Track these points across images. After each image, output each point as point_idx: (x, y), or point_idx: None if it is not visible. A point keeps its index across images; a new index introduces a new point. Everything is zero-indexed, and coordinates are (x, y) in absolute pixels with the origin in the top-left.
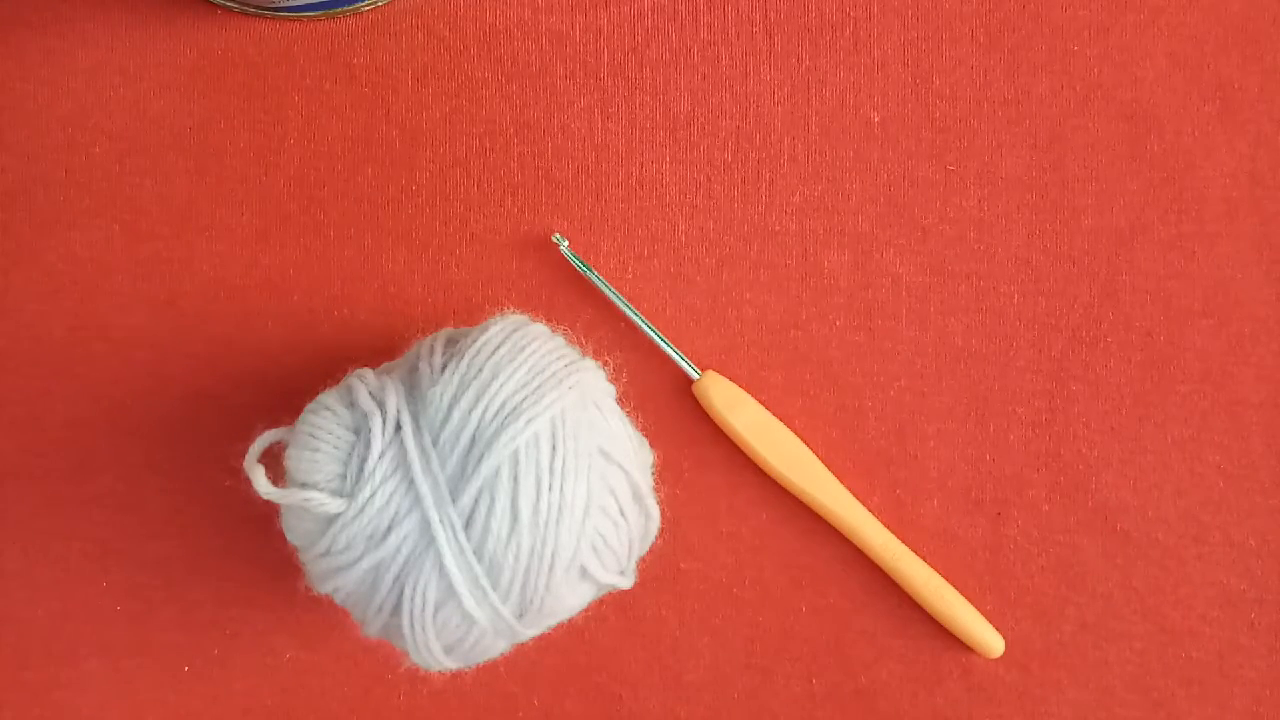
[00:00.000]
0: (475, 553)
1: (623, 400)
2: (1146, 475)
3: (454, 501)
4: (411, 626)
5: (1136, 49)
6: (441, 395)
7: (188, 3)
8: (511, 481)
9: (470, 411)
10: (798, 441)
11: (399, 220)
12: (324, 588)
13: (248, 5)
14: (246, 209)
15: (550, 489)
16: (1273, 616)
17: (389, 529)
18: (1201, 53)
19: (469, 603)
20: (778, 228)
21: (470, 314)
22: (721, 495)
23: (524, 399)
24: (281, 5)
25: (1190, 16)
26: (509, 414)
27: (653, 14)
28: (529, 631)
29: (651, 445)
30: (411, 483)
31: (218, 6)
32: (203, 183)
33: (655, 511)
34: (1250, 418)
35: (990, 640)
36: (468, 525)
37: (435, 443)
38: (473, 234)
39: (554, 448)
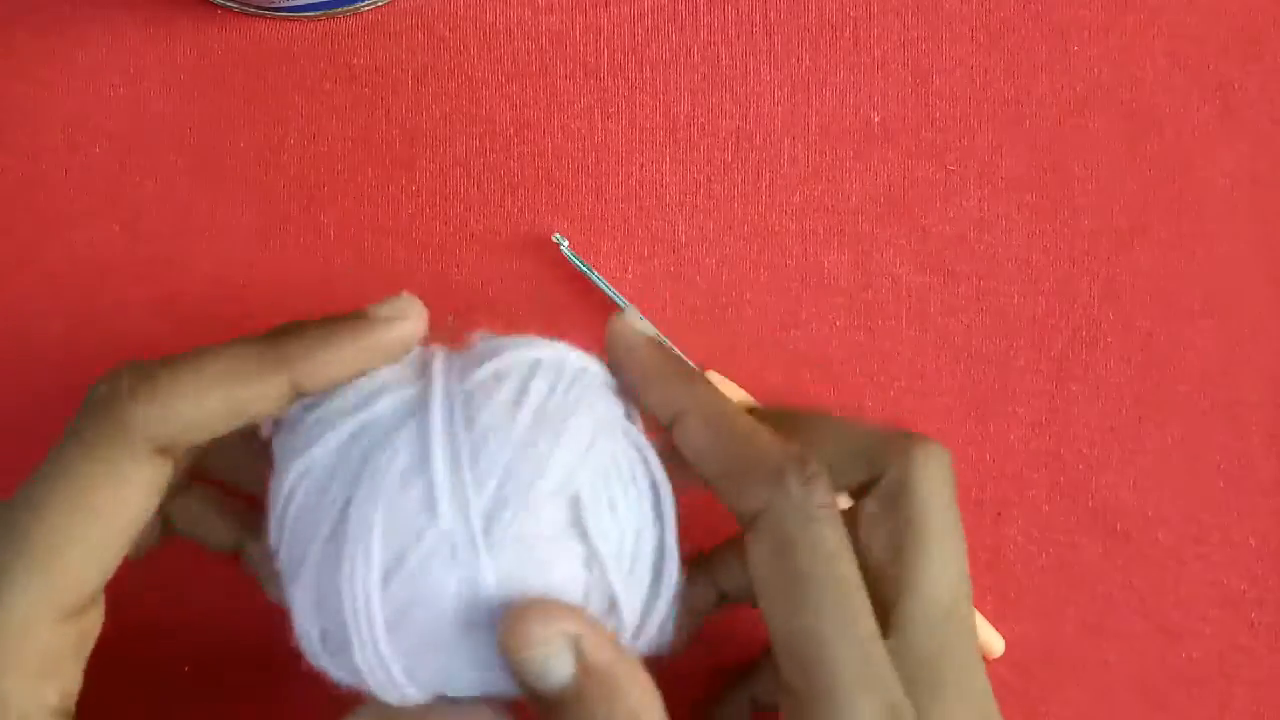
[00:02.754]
0: (466, 422)
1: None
2: (1146, 475)
3: (461, 381)
4: (360, 519)
5: (1136, 49)
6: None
7: (188, 3)
8: (525, 374)
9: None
10: None
11: (399, 220)
12: (290, 471)
13: (248, 5)
14: (246, 209)
15: (560, 391)
16: (1273, 616)
17: (381, 392)
18: (1201, 53)
19: (440, 471)
20: (778, 228)
21: (470, 314)
22: None
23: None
24: (281, 5)
25: (1190, 16)
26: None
27: (653, 14)
28: (489, 565)
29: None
30: (426, 366)
31: (218, 6)
32: (203, 183)
33: (674, 567)
34: (1250, 418)
35: (990, 640)
36: (468, 400)
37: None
38: (473, 234)
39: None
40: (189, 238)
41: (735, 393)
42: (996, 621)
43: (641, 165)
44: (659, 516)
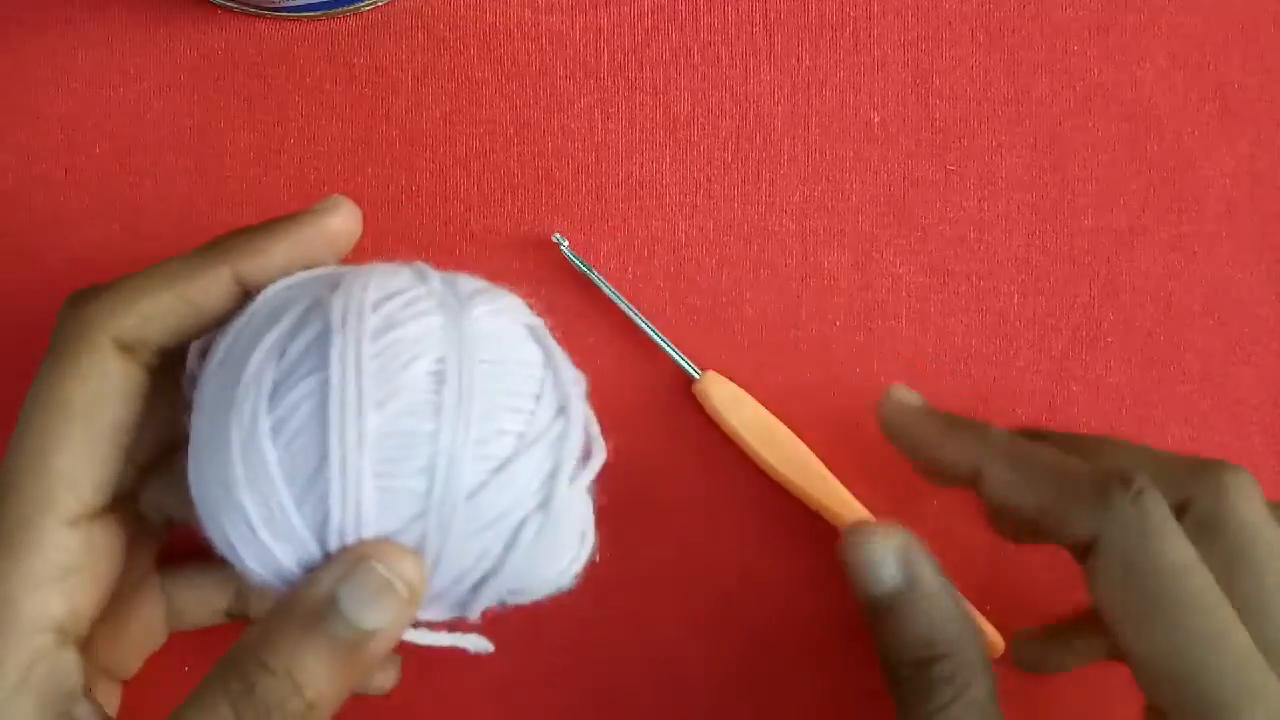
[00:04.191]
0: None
1: (621, 401)
2: None
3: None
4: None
5: (1136, 49)
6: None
7: (188, 3)
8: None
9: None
10: (798, 441)
11: (399, 220)
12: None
13: (248, 5)
14: (246, 209)
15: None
16: None
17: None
18: (1201, 53)
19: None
20: (778, 228)
21: None
22: (722, 496)
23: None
24: (281, 5)
25: (1190, 17)
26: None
27: (653, 14)
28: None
29: (652, 445)
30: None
31: (218, 6)
32: (203, 183)
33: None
34: (1250, 418)
35: (990, 640)
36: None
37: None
38: (473, 234)
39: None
40: (189, 238)
41: (736, 393)
42: (996, 621)
43: (641, 165)
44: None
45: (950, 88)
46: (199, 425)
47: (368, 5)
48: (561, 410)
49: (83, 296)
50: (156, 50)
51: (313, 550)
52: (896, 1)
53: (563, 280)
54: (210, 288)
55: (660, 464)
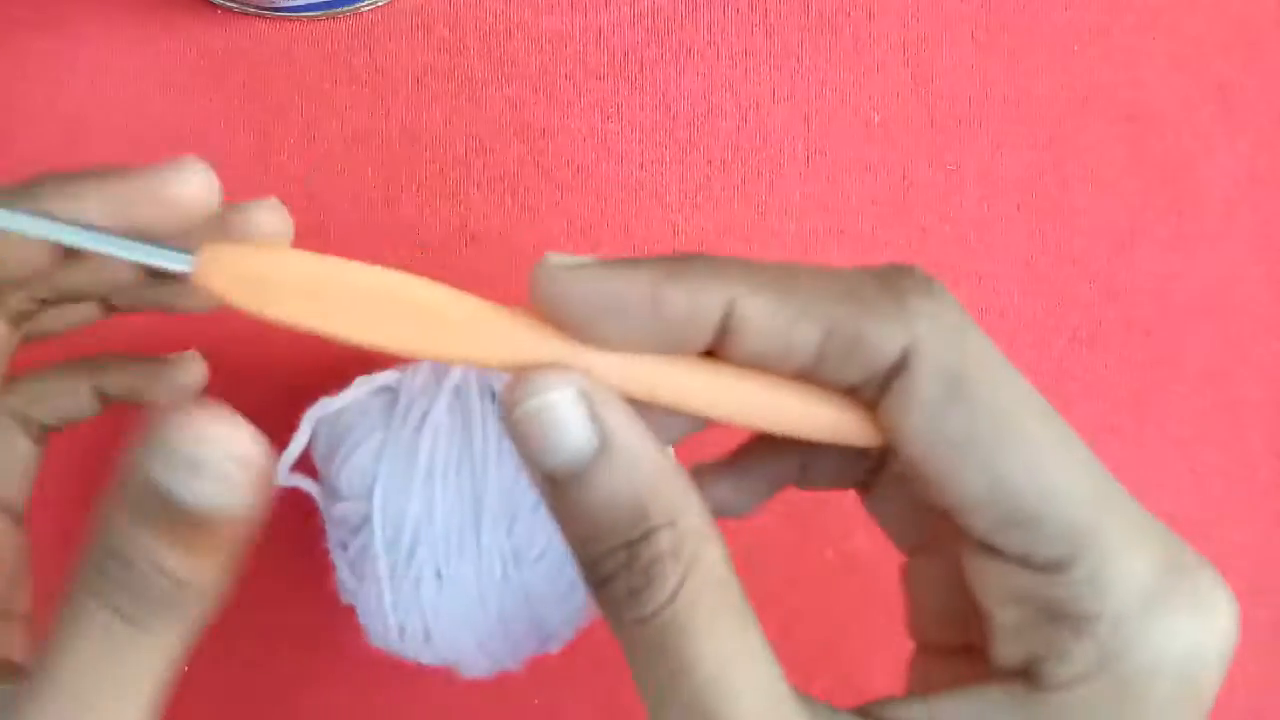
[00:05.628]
0: None
1: None
2: (1146, 475)
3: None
4: None
5: (1136, 49)
6: None
7: (188, 3)
8: None
9: None
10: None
11: (399, 220)
12: None
13: (248, 5)
14: None
15: None
16: (1273, 616)
17: None
18: (1201, 53)
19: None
20: (778, 228)
21: None
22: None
23: None
24: (281, 5)
25: (1190, 17)
26: None
27: (652, 14)
28: None
29: None
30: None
31: (218, 6)
32: None
33: None
34: (1250, 418)
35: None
36: None
37: None
38: (473, 234)
39: None
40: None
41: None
42: None
43: (641, 165)
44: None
45: (950, 88)
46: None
47: (368, 5)
48: None
49: None
50: (156, 50)
51: None
52: (896, 1)
53: None
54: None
55: None
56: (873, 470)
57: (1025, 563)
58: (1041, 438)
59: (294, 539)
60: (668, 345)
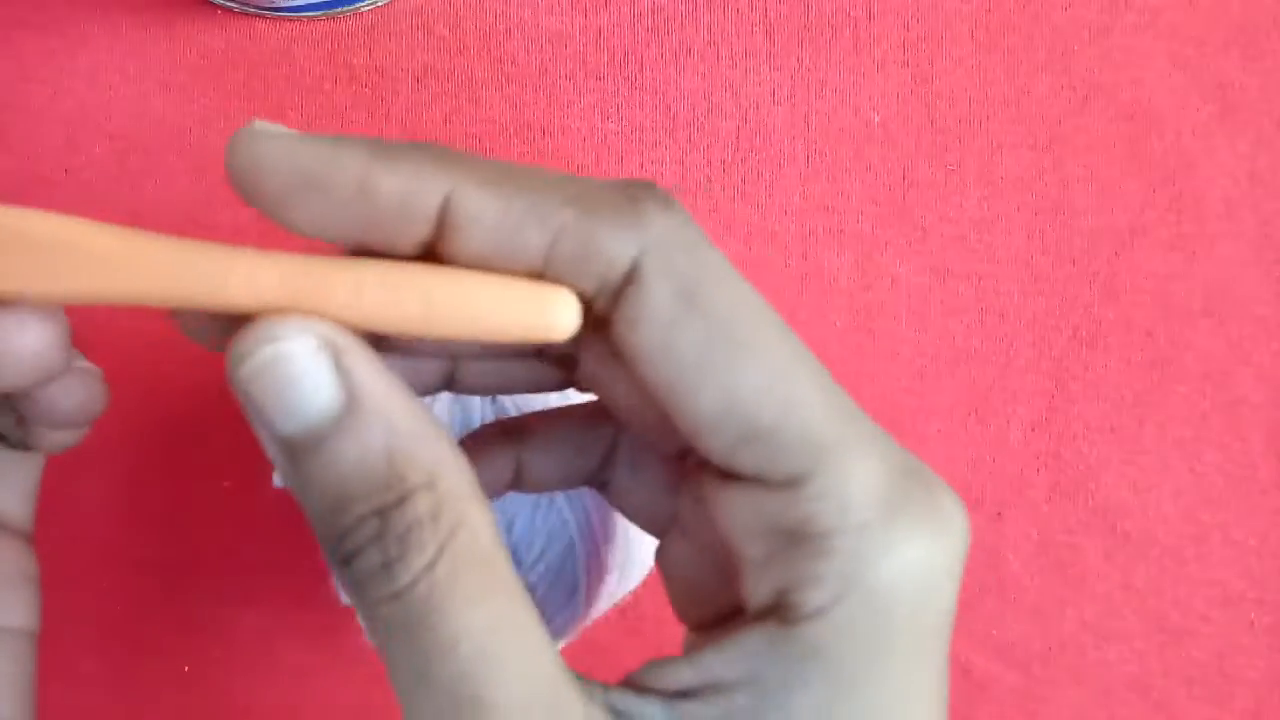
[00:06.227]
0: None
1: None
2: (1146, 475)
3: None
4: None
5: (1136, 49)
6: None
7: (188, 3)
8: None
9: None
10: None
11: None
12: None
13: (248, 5)
14: (246, 209)
15: None
16: (1273, 616)
17: None
18: (1201, 53)
19: None
20: (778, 228)
21: None
22: None
23: None
24: (281, 5)
25: (1190, 16)
26: None
27: (653, 14)
28: None
29: None
30: None
31: (218, 6)
32: (203, 183)
33: None
34: (1250, 418)
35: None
36: None
37: None
38: None
39: None
40: (189, 237)
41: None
42: (997, 622)
43: (641, 165)
44: None
45: (950, 88)
46: None
47: (368, 5)
48: None
49: None
50: (156, 50)
51: None
52: (896, 1)
53: None
54: None
55: None
56: (605, 460)
57: (763, 481)
58: (776, 352)
59: (295, 539)
60: (374, 236)
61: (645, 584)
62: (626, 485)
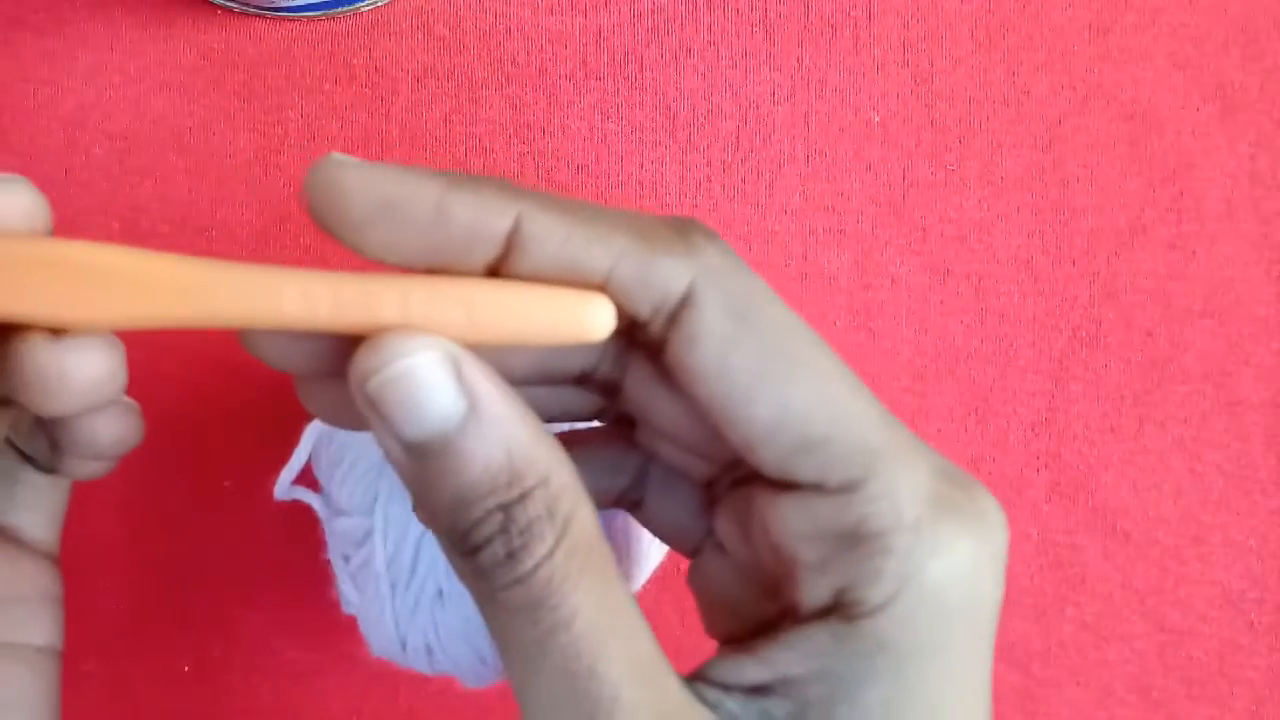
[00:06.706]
0: None
1: None
2: (1146, 475)
3: None
4: None
5: (1136, 49)
6: None
7: (188, 3)
8: None
9: None
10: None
11: None
12: None
13: (248, 5)
14: (246, 209)
15: None
16: (1273, 616)
17: None
18: (1201, 53)
19: None
20: (778, 228)
21: None
22: None
23: None
24: (281, 5)
25: (1190, 16)
26: None
27: (653, 14)
28: None
29: None
30: None
31: (218, 6)
32: (203, 183)
33: None
34: (1250, 418)
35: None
36: None
37: None
38: None
39: None
40: (189, 238)
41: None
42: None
43: (641, 165)
44: None
45: (950, 88)
46: None
47: (368, 5)
48: None
49: None
50: (156, 50)
51: None
52: (896, 1)
53: None
54: None
55: None
56: (636, 480)
57: (820, 489)
58: (823, 366)
59: (295, 540)
60: (444, 258)
61: (645, 586)
62: (658, 506)
